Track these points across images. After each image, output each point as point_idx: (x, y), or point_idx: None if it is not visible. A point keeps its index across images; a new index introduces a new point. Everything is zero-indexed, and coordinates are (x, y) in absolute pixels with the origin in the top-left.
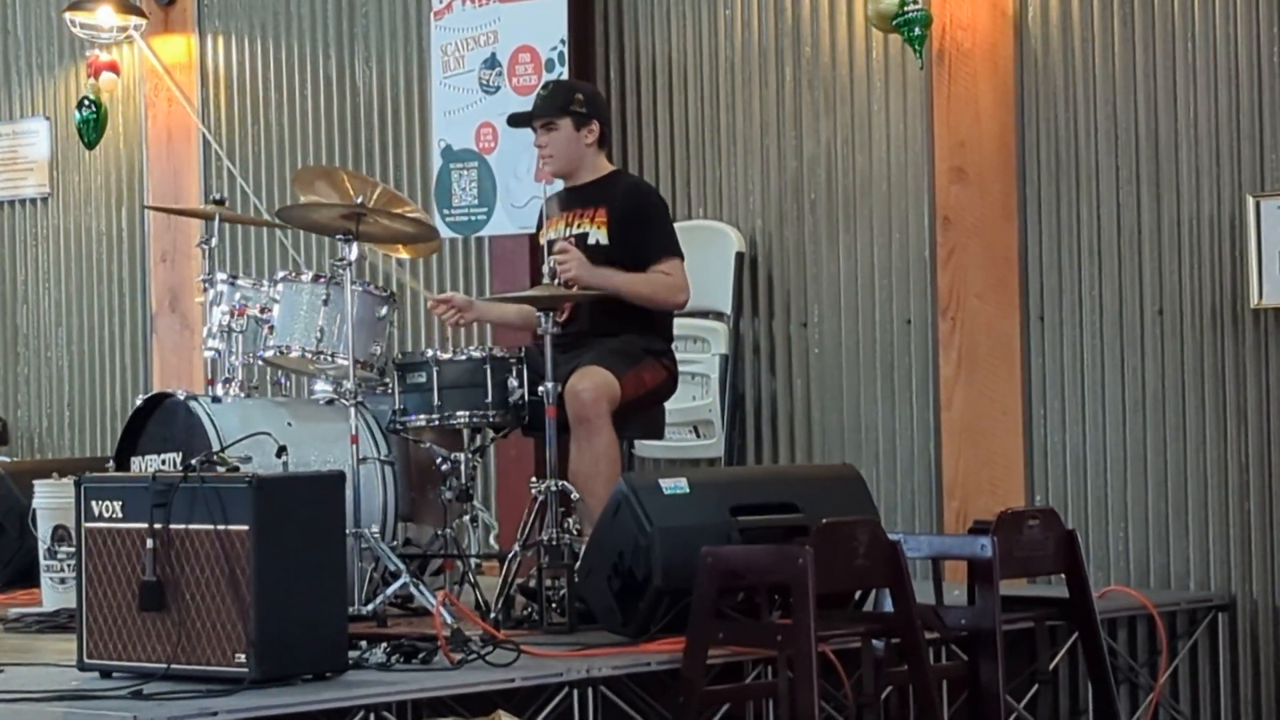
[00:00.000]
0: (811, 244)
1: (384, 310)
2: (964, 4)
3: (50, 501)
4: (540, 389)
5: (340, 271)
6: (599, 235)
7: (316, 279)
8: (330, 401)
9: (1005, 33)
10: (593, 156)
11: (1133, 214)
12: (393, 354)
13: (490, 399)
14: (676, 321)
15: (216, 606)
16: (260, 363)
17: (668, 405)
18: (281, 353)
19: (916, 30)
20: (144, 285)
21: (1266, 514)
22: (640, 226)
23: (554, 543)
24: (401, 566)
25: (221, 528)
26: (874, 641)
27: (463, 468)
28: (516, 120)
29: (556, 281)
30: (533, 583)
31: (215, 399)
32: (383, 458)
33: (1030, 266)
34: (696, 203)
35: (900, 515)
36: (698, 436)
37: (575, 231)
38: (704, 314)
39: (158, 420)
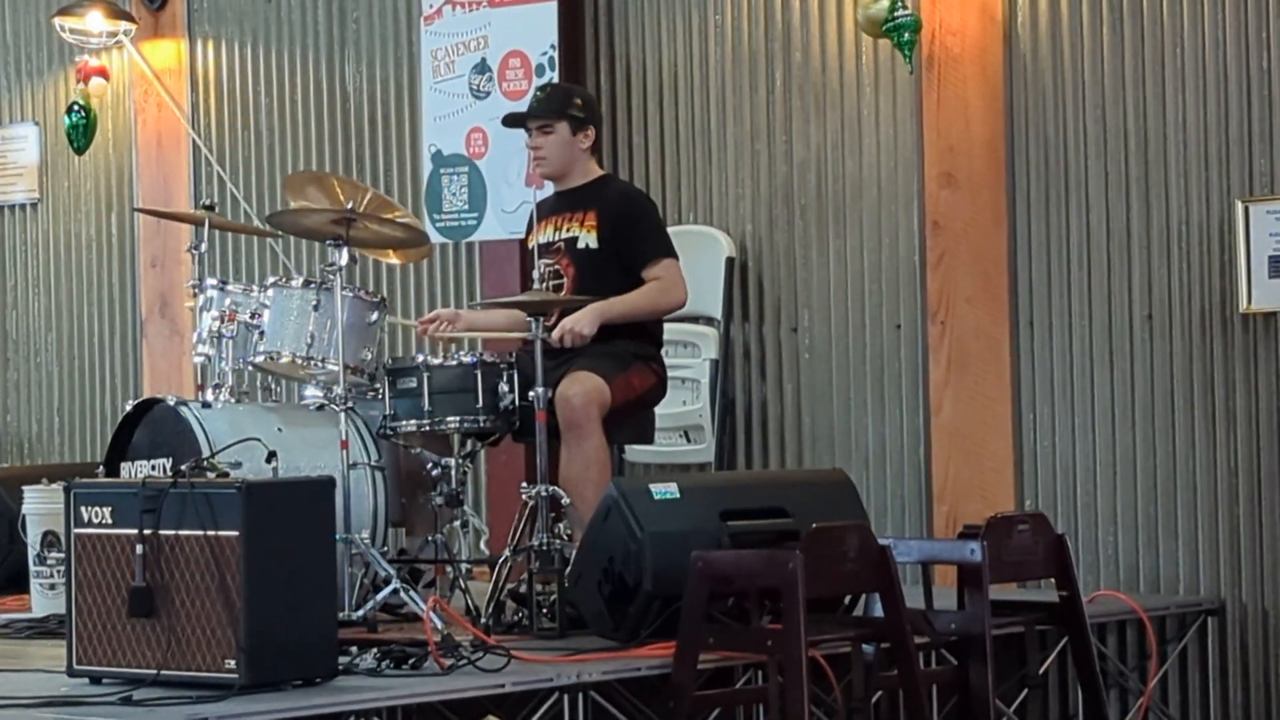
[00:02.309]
0: (801, 249)
1: (374, 316)
2: (953, 9)
3: (40, 507)
4: (530, 394)
5: (330, 277)
6: (588, 239)
7: (307, 284)
8: (320, 407)
9: (995, 38)
10: (584, 161)
11: (1122, 219)
12: (383, 359)
13: (481, 404)
14: (667, 326)
15: (206, 612)
16: (250, 368)
17: (658, 410)
18: (272, 358)
19: (906, 36)
20: (134, 291)
21: (1255, 518)
22: (630, 231)
23: (544, 548)
24: (391, 572)
25: (211, 533)
26: (864, 646)
27: (453, 473)
28: (511, 120)
29: (546, 286)
30: (523, 588)
31: (205, 404)
32: (373, 463)
33: (1020, 271)
34: (687, 208)
35: (890, 520)
36: (688, 441)
37: (565, 235)
38: (694, 319)
39: (147, 426)
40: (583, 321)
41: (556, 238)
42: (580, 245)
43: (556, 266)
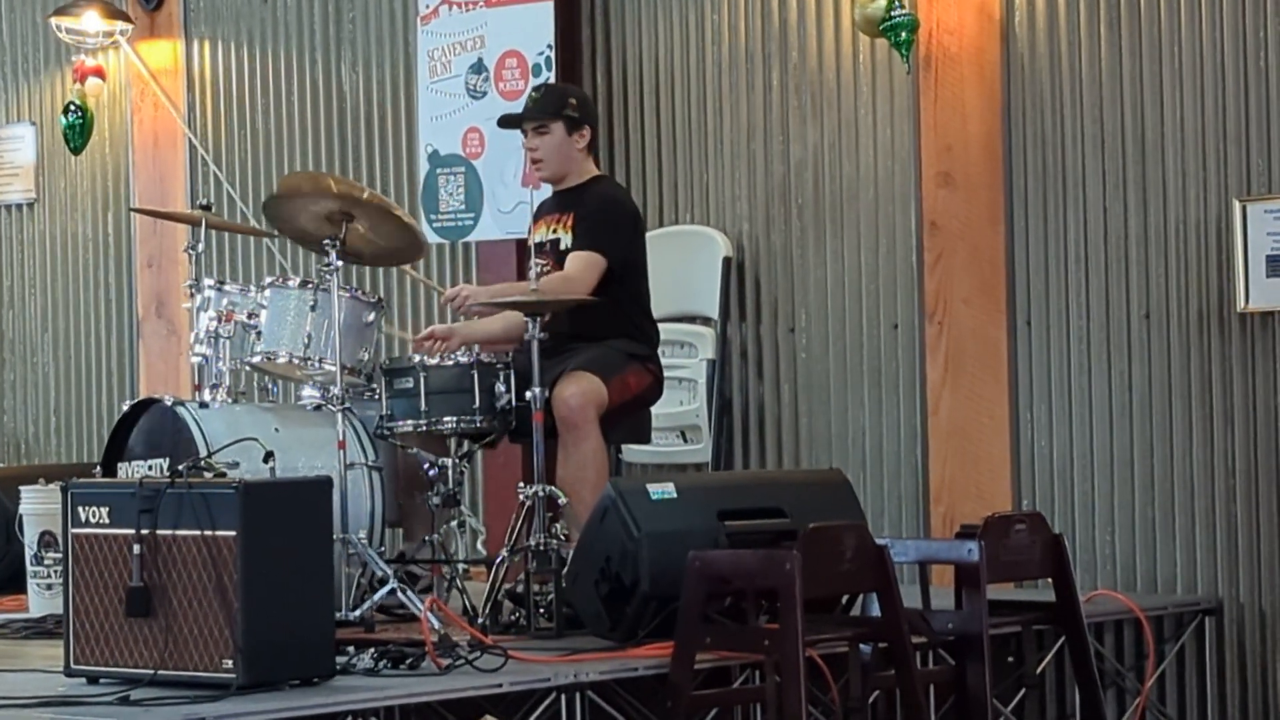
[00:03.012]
0: (799, 249)
1: (371, 316)
2: (950, 8)
3: (37, 507)
4: (527, 394)
5: (327, 277)
6: (567, 240)
7: (304, 284)
8: (318, 407)
9: (992, 37)
10: (581, 161)
11: (1119, 218)
12: (380, 359)
13: (477, 404)
14: (663, 326)
15: (203, 612)
16: (247, 368)
17: (655, 410)
18: (269, 358)
19: (903, 35)
20: (130, 291)
21: (1253, 518)
22: (585, 223)
23: (541, 548)
24: (389, 572)
25: (209, 533)
26: (861, 646)
27: (450, 473)
28: (507, 122)
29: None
30: (520, 588)
31: (202, 405)
32: (370, 463)
33: (1017, 271)
34: (684, 208)
35: (887, 520)
36: (685, 441)
37: (551, 236)
38: (691, 319)
39: (144, 426)
40: (476, 295)
41: (546, 238)
42: (562, 247)
43: (547, 267)
